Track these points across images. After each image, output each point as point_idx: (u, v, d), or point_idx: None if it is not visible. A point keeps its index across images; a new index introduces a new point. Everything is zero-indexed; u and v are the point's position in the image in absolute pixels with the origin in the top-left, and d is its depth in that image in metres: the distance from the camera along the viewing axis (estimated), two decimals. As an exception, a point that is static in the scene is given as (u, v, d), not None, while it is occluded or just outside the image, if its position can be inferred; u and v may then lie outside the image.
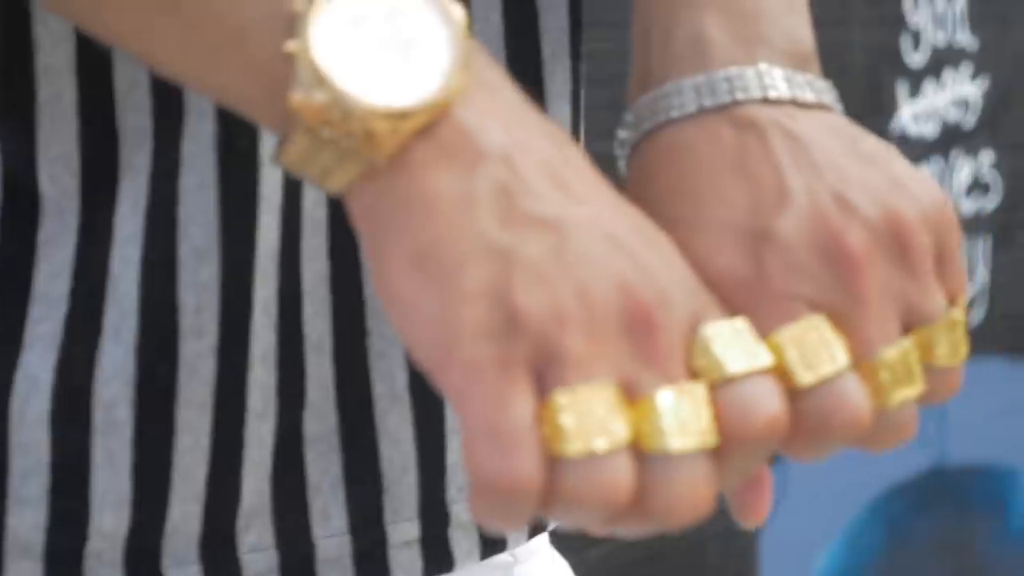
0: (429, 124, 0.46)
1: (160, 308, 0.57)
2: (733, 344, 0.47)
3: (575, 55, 0.66)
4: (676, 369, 0.46)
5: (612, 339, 0.45)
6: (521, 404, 0.44)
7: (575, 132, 0.66)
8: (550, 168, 0.47)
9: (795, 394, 0.49)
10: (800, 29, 0.55)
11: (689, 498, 0.45)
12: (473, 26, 0.62)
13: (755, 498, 0.53)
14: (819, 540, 1.96)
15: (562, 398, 0.44)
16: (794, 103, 0.53)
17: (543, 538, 0.81)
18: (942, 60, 2.08)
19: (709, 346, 0.47)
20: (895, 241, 0.51)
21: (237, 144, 0.57)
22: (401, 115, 0.45)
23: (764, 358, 0.47)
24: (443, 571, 0.65)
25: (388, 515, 0.62)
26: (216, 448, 0.59)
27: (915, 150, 2.04)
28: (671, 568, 1.72)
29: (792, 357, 0.48)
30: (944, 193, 0.53)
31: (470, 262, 0.45)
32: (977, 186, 2.18)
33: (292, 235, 0.59)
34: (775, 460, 1.86)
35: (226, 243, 0.57)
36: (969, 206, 2.16)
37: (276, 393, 0.60)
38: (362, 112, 0.45)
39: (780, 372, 0.49)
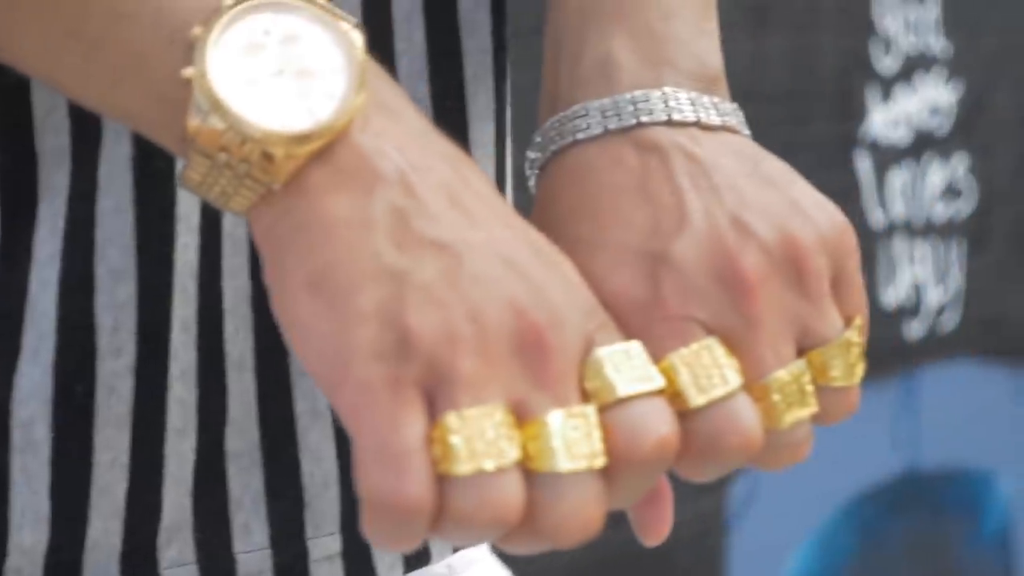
0: (326, 148, 0.47)
1: (78, 328, 0.57)
2: (625, 367, 0.48)
3: (499, 76, 0.66)
4: (568, 391, 0.47)
5: (504, 361, 0.46)
6: (412, 425, 0.45)
7: (500, 152, 0.67)
8: (449, 191, 0.48)
9: (687, 415, 0.50)
10: (708, 52, 0.56)
11: (578, 517, 0.46)
12: (396, 47, 0.63)
13: (654, 514, 0.54)
14: (789, 544, 1.97)
15: (452, 419, 0.45)
16: (699, 125, 0.54)
17: (482, 547, 0.82)
18: (915, 66, 2.09)
19: (601, 368, 0.48)
20: (791, 265, 0.51)
21: (153, 165, 0.57)
22: (296, 139, 0.46)
23: (655, 381, 0.48)
24: (366, 585, 0.66)
25: (309, 530, 0.63)
26: (135, 465, 0.59)
27: (886, 156, 2.05)
28: (638, 572, 1.73)
29: (684, 379, 0.49)
30: (842, 215, 0.54)
31: (364, 284, 0.46)
32: (951, 191, 2.19)
33: (212, 254, 0.59)
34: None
35: (143, 263, 0.58)
36: (943, 211, 2.18)
37: (196, 410, 0.60)
38: (258, 137, 0.46)
39: (673, 394, 0.49)
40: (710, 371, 0.50)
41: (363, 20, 0.62)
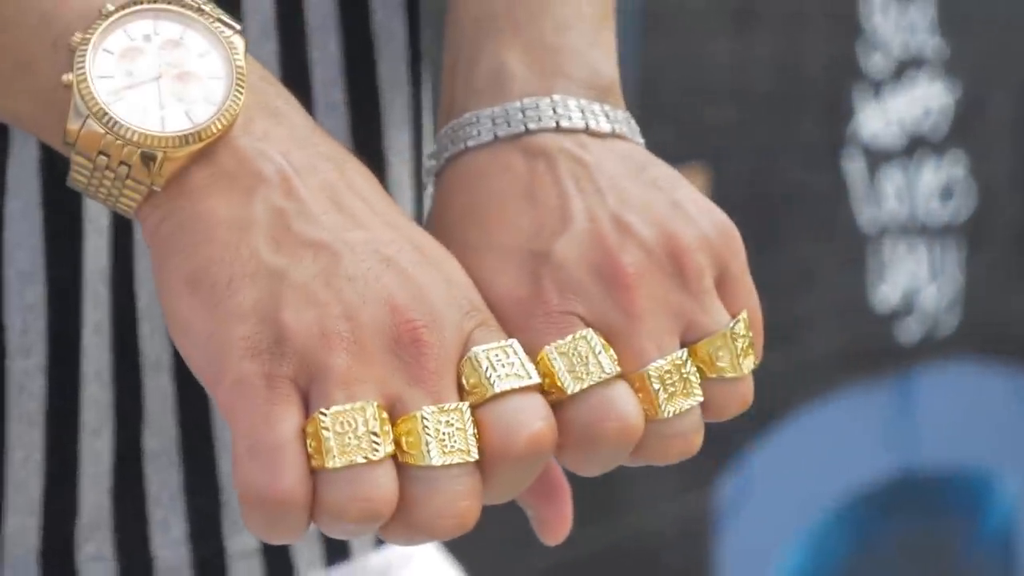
0: (208, 150, 0.48)
1: None
2: (502, 364, 0.49)
3: (415, 83, 0.67)
4: (443, 387, 0.48)
5: (379, 358, 0.47)
6: (285, 420, 0.46)
7: (417, 158, 0.68)
8: (331, 192, 0.49)
9: (564, 404, 0.50)
10: (601, 62, 0.57)
11: (451, 511, 0.47)
12: (310, 55, 0.64)
13: (552, 511, 0.55)
14: (779, 545, 1.97)
15: (324, 415, 0.46)
16: (588, 132, 0.54)
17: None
18: (906, 66, 2.10)
19: (478, 365, 0.49)
20: (671, 261, 0.52)
21: (60, 168, 0.59)
22: (174, 142, 0.47)
23: (531, 378, 0.49)
24: (285, 580, 0.67)
25: (227, 526, 0.64)
26: (50, 463, 0.61)
27: (877, 157, 2.06)
28: (624, 572, 1.73)
29: (559, 367, 0.50)
30: (727, 219, 0.55)
31: (242, 283, 0.47)
32: (949, 193, 2.19)
33: (123, 257, 0.61)
34: (734, 463, 1.88)
35: (51, 266, 0.59)
36: (941, 213, 2.18)
37: (112, 410, 0.61)
38: (135, 140, 0.47)
39: (550, 384, 0.50)
40: (586, 359, 0.50)
41: (277, 28, 0.63)
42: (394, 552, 0.77)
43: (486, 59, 0.56)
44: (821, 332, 1.98)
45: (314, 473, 0.46)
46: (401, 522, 0.48)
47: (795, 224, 1.92)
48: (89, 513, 0.62)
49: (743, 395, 0.53)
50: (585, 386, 0.50)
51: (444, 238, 0.54)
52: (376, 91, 0.66)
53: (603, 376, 0.50)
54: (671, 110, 1.68)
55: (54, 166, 0.59)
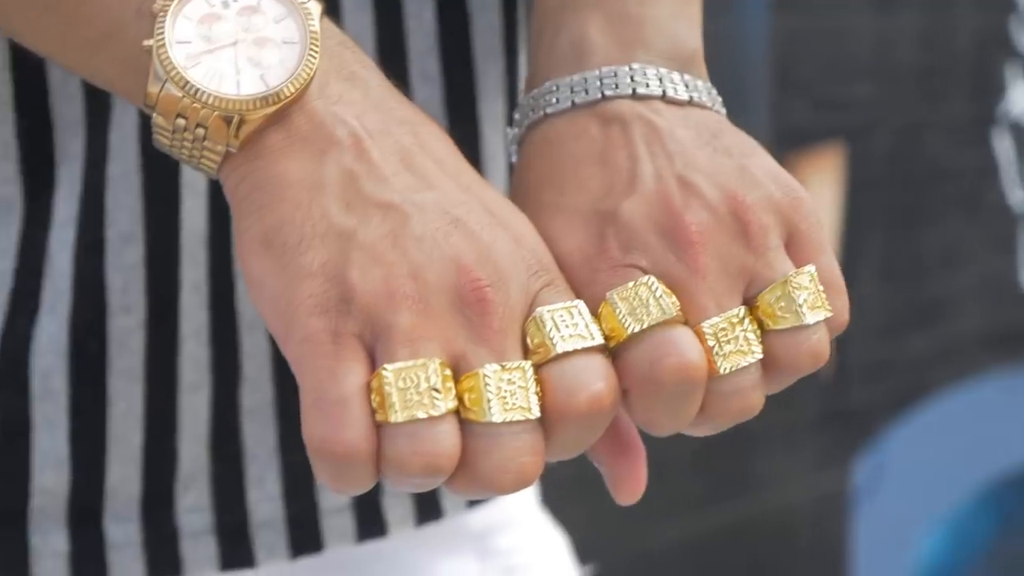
0: (283, 113, 0.50)
1: (90, 287, 0.61)
2: (566, 324, 0.50)
3: (510, 53, 0.69)
4: (507, 345, 0.49)
5: (443, 316, 0.49)
6: (350, 375, 0.48)
7: (511, 125, 0.70)
8: (404, 154, 0.51)
9: (626, 347, 0.51)
10: (683, 33, 0.57)
11: (511, 466, 0.49)
12: (406, 24, 0.65)
13: (626, 468, 0.55)
14: (917, 528, 1.95)
15: (388, 371, 0.48)
16: (664, 100, 0.55)
17: (525, 505, 0.84)
18: (1062, 43, 2.05)
19: (542, 325, 0.50)
20: (734, 219, 0.53)
21: None
22: (248, 105, 0.49)
23: (595, 339, 0.50)
24: (376, 535, 0.69)
25: (320, 483, 0.66)
26: (150, 416, 0.63)
27: (1027, 135, 2.02)
28: (759, 552, 1.73)
29: (621, 311, 0.51)
30: (797, 184, 0.55)
31: (312, 243, 0.49)
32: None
33: (220, 218, 0.63)
34: (872, 443, 1.86)
35: (149, 228, 0.61)
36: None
37: (210, 367, 0.64)
38: (211, 103, 0.49)
39: (613, 329, 0.51)
40: (647, 302, 0.51)
41: (375, 3, 0.65)
42: (495, 515, 0.79)
43: (569, 29, 0.57)
44: (966, 313, 1.95)
45: (378, 427, 0.48)
46: (464, 476, 0.49)
47: (940, 203, 1.89)
48: (188, 465, 0.64)
49: (813, 349, 0.53)
50: (645, 326, 0.51)
51: (522, 201, 0.55)
52: (471, 61, 0.67)
53: (663, 317, 0.51)
54: (807, 87, 1.67)
55: (152, 132, 0.61)
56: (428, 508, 0.70)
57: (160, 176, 0.61)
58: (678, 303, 0.51)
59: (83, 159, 0.61)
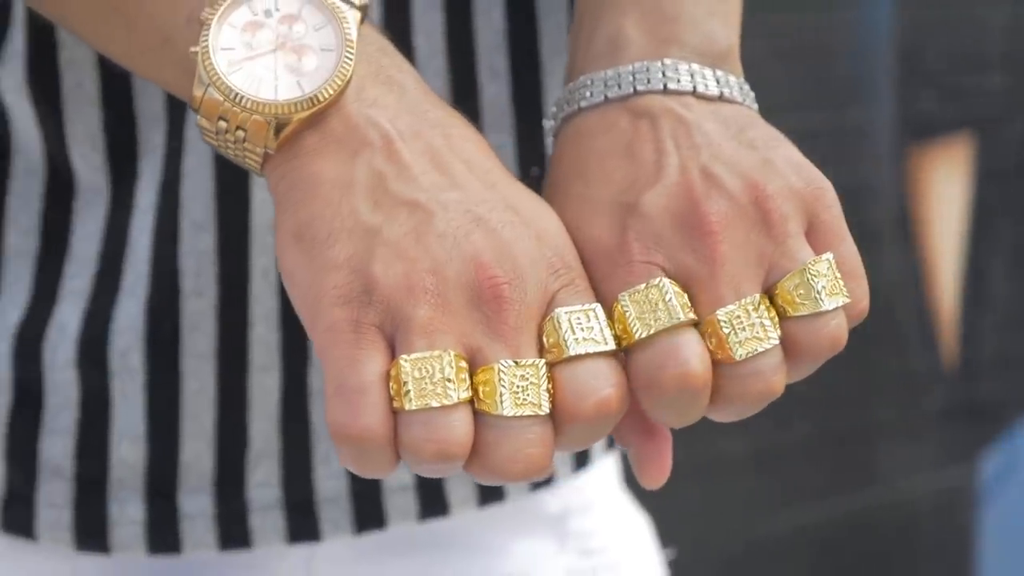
0: (318, 116, 0.52)
1: (166, 271, 0.65)
2: (581, 327, 0.52)
3: None
4: (522, 342, 0.51)
5: (461, 311, 0.51)
6: (369, 364, 0.50)
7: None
8: (434, 155, 0.53)
9: (634, 349, 0.52)
10: (717, 30, 0.59)
11: (520, 456, 0.51)
12: (475, 23, 0.68)
13: (652, 451, 0.57)
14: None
15: (405, 361, 0.50)
16: (695, 95, 0.57)
17: (603, 489, 0.85)
18: None
19: (558, 326, 0.52)
20: (755, 208, 0.54)
21: None
22: (284, 109, 0.52)
23: (607, 343, 0.52)
24: (438, 515, 0.71)
25: None
26: (222, 395, 0.67)
27: None
28: (879, 545, 1.73)
29: (631, 314, 0.52)
30: (821, 175, 0.55)
31: (339, 237, 0.51)
32: None
33: None
34: (1000, 438, 1.84)
35: (221, 216, 0.65)
36: None
37: (280, 350, 0.67)
38: (249, 107, 0.52)
39: (623, 331, 0.52)
40: (656, 306, 0.52)
41: (445, 1, 0.67)
42: (572, 499, 0.81)
43: (605, 26, 0.59)
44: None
45: (395, 414, 0.50)
46: (478, 463, 0.51)
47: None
48: (258, 443, 0.68)
49: (831, 335, 0.54)
50: (652, 332, 0.52)
51: (553, 193, 0.57)
52: (538, 58, 0.69)
53: (671, 323, 0.52)
54: (935, 78, 1.65)
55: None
56: (491, 490, 0.72)
57: (231, 170, 0.65)
58: (689, 304, 0.53)
59: (163, 151, 0.65)
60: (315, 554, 0.75)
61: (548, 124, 0.60)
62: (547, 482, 0.75)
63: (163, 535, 0.68)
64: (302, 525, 0.69)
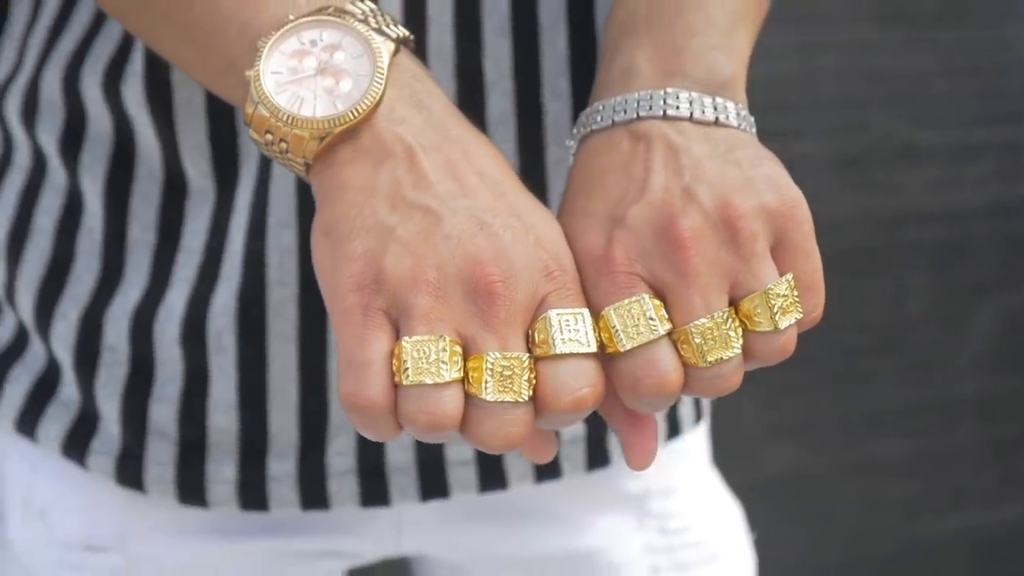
0: (352, 131, 0.60)
1: (255, 263, 0.74)
2: (569, 328, 0.58)
3: None
4: (511, 335, 0.58)
5: (458, 303, 0.58)
6: (375, 343, 0.58)
7: None
8: (451, 167, 0.60)
9: (617, 357, 0.59)
10: (721, 62, 0.64)
11: (499, 434, 0.58)
12: (541, 48, 0.75)
13: (637, 437, 0.63)
14: None
15: (406, 342, 0.58)
16: (691, 120, 0.63)
17: (688, 474, 0.91)
18: None
19: (548, 325, 0.58)
20: (725, 225, 0.59)
21: None
22: (319, 126, 0.60)
23: (590, 346, 0.58)
24: (497, 488, 0.79)
25: None
26: (304, 374, 0.76)
27: None
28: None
29: (616, 326, 0.59)
30: (798, 193, 0.61)
31: (359, 234, 0.59)
32: None
33: None
34: None
35: (300, 216, 0.74)
36: None
37: None
38: (289, 123, 0.60)
39: (609, 340, 0.59)
40: (638, 321, 0.59)
41: (512, 27, 0.75)
42: (655, 481, 0.87)
43: (621, 57, 0.65)
44: None
45: (396, 388, 0.58)
46: (467, 434, 0.59)
47: None
48: (336, 417, 0.77)
49: (782, 346, 0.60)
50: (635, 345, 0.59)
51: (563, 204, 0.64)
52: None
53: (651, 337, 0.59)
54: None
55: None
56: (547, 467, 0.80)
57: None
58: (665, 317, 0.59)
59: (258, 158, 0.74)
60: (404, 519, 0.83)
61: (570, 144, 0.67)
62: (604, 462, 0.82)
63: (253, 494, 0.77)
64: (374, 491, 0.78)
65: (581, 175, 0.64)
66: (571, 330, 0.59)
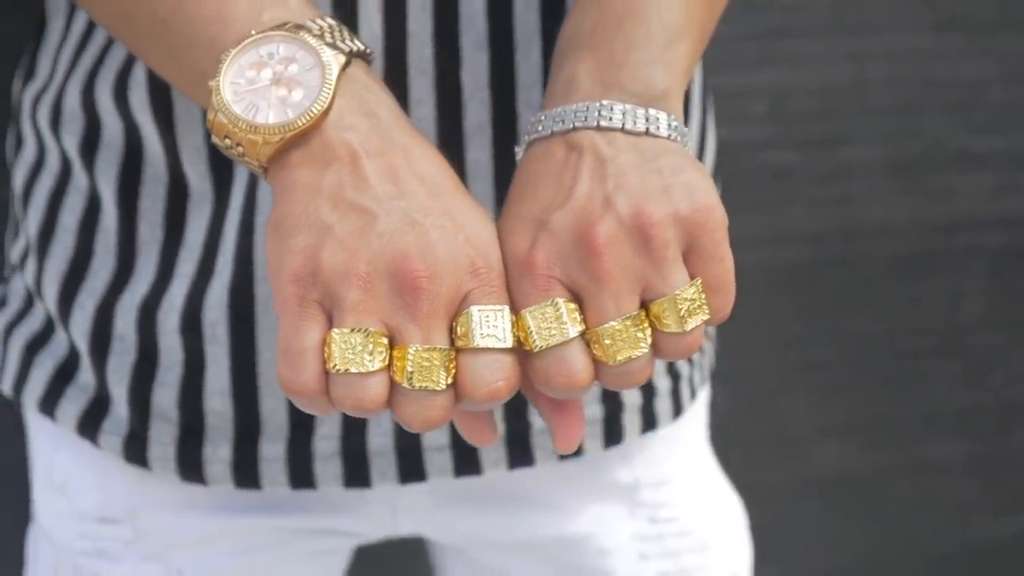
0: (303, 137, 0.65)
1: (245, 260, 0.80)
2: (489, 324, 0.63)
3: None
4: (433, 328, 0.63)
5: (385, 297, 0.63)
6: (308, 332, 0.63)
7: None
8: (391, 171, 0.65)
9: (532, 355, 0.64)
10: (656, 76, 0.68)
11: (419, 417, 0.63)
12: (517, 60, 0.79)
13: (561, 424, 0.68)
14: None
15: (335, 334, 0.63)
16: (623, 131, 0.67)
17: (687, 466, 0.95)
18: None
19: (469, 320, 0.63)
20: (639, 232, 0.64)
21: None
22: (269, 131, 0.65)
23: (506, 341, 0.63)
24: (471, 473, 0.84)
25: None
26: None
27: None
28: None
29: (531, 328, 0.64)
30: (713, 201, 0.64)
31: (301, 230, 0.64)
32: None
33: None
34: None
35: None
36: None
37: None
38: (244, 128, 0.65)
39: (526, 339, 0.64)
40: (551, 324, 0.64)
41: (489, 42, 0.79)
42: (645, 473, 0.92)
43: (565, 70, 0.70)
44: None
45: (327, 374, 0.64)
46: (394, 414, 0.64)
47: None
48: None
49: (688, 345, 0.65)
50: (547, 345, 0.64)
51: (503, 208, 0.68)
52: None
53: (562, 339, 0.63)
54: None
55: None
56: (519, 456, 0.85)
57: None
58: (578, 320, 0.64)
59: None
60: (399, 502, 0.89)
61: (517, 150, 0.71)
62: (576, 452, 0.87)
63: (246, 473, 0.83)
64: (356, 473, 0.83)
65: (520, 180, 0.69)
66: (490, 326, 0.63)
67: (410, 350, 0.63)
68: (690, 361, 0.92)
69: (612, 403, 0.86)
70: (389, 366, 0.64)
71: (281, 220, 0.65)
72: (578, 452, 0.87)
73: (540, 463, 0.86)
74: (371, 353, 0.63)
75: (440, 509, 0.90)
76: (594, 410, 0.86)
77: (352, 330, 0.63)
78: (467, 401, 0.64)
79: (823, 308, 1.50)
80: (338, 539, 0.92)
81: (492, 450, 0.85)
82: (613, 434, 0.87)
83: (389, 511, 0.90)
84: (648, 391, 0.88)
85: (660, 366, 0.89)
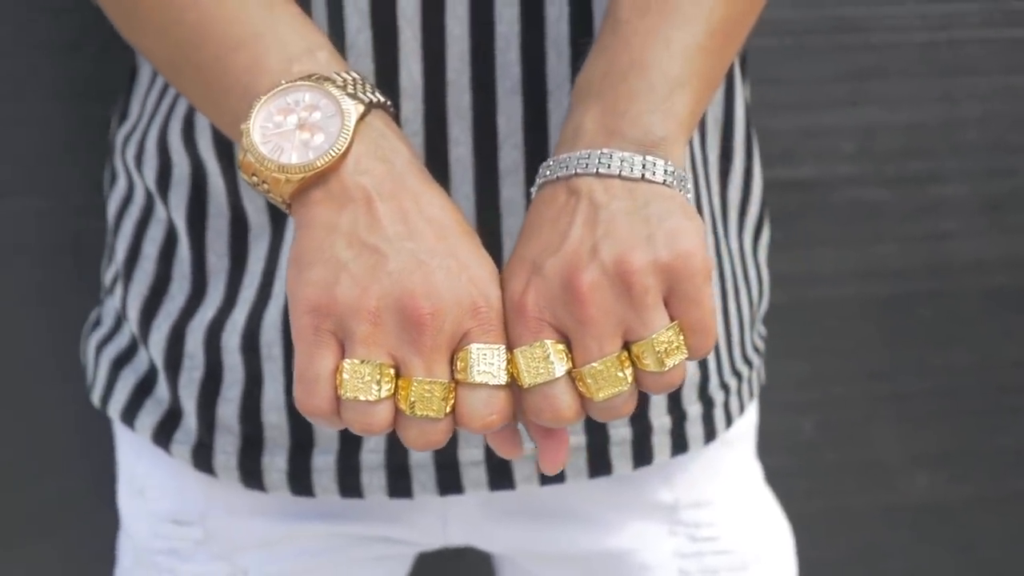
0: (323, 178, 0.72)
1: None
2: (486, 361, 0.69)
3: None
4: (435, 361, 0.69)
5: (392, 331, 0.69)
6: (322, 360, 0.70)
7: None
8: (403, 214, 0.72)
9: (523, 391, 0.70)
10: (656, 125, 0.73)
11: (421, 440, 0.70)
12: (549, 106, 0.85)
13: (549, 448, 0.74)
14: None
15: (346, 363, 0.69)
16: (620, 177, 0.72)
17: (731, 488, 1.00)
18: None
19: (467, 356, 0.70)
20: (621, 280, 0.69)
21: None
22: (292, 171, 0.72)
23: (500, 378, 0.69)
24: (505, 488, 0.90)
25: (461, 442, 0.90)
26: None
27: None
28: None
29: (522, 366, 0.70)
30: (696, 248, 0.69)
31: (317, 265, 0.70)
32: None
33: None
34: None
35: None
36: None
37: None
38: (269, 168, 0.72)
39: (517, 376, 0.70)
40: (539, 363, 0.69)
41: (523, 89, 0.85)
42: (686, 494, 0.97)
43: (574, 118, 0.75)
44: None
45: (338, 400, 0.70)
46: (398, 436, 0.71)
47: None
48: None
49: (669, 381, 0.70)
50: (535, 383, 0.70)
51: (514, 247, 0.75)
52: None
53: (549, 378, 0.69)
54: None
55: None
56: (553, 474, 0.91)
57: None
58: (565, 359, 0.69)
59: None
60: (449, 513, 0.96)
61: (532, 191, 0.76)
62: (606, 471, 0.93)
63: (300, 482, 0.91)
64: (398, 484, 0.90)
65: (527, 223, 0.74)
66: (487, 363, 0.70)
67: (413, 383, 0.69)
68: (726, 389, 0.97)
69: (640, 425, 0.92)
70: (395, 394, 0.70)
71: (301, 254, 0.72)
72: (606, 470, 0.93)
73: (571, 480, 0.92)
74: (378, 383, 0.69)
75: (489, 520, 0.97)
76: (623, 432, 0.92)
77: (362, 361, 0.69)
78: (465, 428, 0.70)
79: (913, 341, 1.52)
80: (395, 546, 0.99)
81: (525, 466, 0.91)
82: (643, 455, 0.93)
83: (440, 521, 0.97)
84: (678, 415, 0.93)
85: (691, 393, 0.94)
